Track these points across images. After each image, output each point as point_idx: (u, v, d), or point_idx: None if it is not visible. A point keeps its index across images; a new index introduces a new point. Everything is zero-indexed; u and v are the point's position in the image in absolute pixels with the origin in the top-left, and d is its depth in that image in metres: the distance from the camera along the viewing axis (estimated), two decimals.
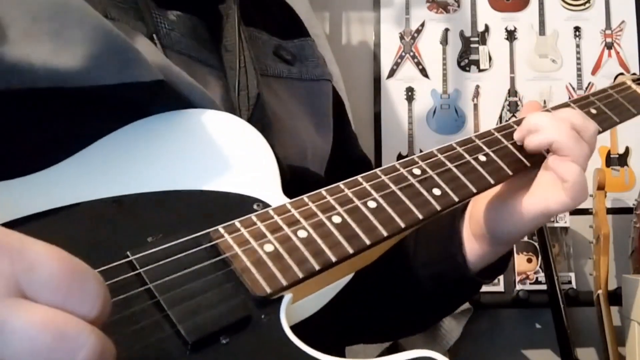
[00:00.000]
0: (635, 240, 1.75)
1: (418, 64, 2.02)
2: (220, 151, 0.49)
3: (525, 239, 1.86)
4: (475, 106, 1.98)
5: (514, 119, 0.66)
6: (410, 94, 2.01)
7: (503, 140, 0.59)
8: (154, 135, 0.49)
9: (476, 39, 2.02)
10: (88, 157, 0.46)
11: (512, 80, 1.97)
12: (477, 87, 1.98)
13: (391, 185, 0.50)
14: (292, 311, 0.42)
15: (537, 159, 0.60)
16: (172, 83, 0.50)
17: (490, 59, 2.00)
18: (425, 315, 0.75)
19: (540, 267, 1.81)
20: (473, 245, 0.65)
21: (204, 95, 0.52)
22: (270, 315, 0.40)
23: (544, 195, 0.58)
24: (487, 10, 2.04)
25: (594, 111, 0.67)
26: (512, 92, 1.96)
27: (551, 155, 0.59)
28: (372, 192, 0.49)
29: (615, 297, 1.63)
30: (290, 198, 0.48)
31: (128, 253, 0.39)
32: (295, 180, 0.52)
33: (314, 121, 0.69)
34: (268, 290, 0.40)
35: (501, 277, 1.86)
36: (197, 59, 0.59)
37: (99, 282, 0.31)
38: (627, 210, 1.87)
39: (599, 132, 0.64)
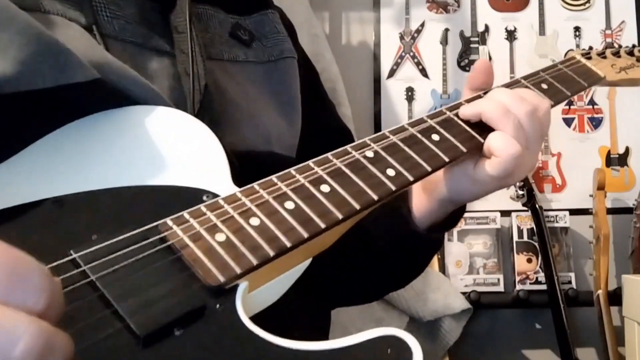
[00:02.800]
0: (635, 240, 1.75)
1: (418, 64, 2.02)
2: (164, 146, 0.48)
3: (525, 238, 1.86)
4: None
5: None
6: (410, 94, 2.01)
7: (455, 118, 0.59)
8: (94, 134, 0.48)
9: (476, 39, 2.02)
10: (26, 159, 0.45)
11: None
12: None
13: (344, 168, 0.49)
14: (249, 300, 0.41)
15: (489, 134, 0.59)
16: (112, 80, 0.48)
17: (490, 59, 1.99)
18: (390, 276, 0.74)
19: (540, 267, 1.81)
20: (421, 200, 0.65)
21: (148, 88, 0.51)
22: (226, 304, 0.38)
23: (485, 163, 0.58)
24: (487, 10, 2.04)
25: (545, 86, 0.67)
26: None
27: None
28: (325, 176, 0.48)
29: (615, 297, 1.63)
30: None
31: (71, 252, 0.38)
32: (263, 166, 0.51)
33: (277, 103, 0.67)
34: (222, 279, 0.39)
35: (501, 277, 1.86)
36: (144, 45, 0.57)
37: (44, 275, 0.30)
38: (627, 210, 1.87)
39: (552, 106, 0.65)
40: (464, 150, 0.56)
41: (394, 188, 0.50)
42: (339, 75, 1.83)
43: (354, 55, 2.02)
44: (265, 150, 0.61)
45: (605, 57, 0.78)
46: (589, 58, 0.76)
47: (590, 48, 0.79)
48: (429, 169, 0.53)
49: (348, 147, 0.52)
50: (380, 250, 0.69)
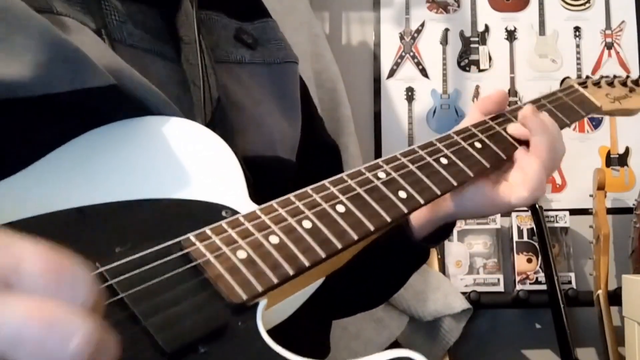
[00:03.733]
0: (635, 240, 1.75)
1: (418, 64, 2.02)
2: (182, 159, 0.49)
3: (525, 238, 1.86)
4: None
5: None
6: (410, 94, 2.01)
7: (462, 142, 0.61)
8: (112, 144, 0.48)
9: (476, 39, 2.02)
10: (46, 167, 0.45)
11: (512, 80, 1.97)
12: (477, 87, 1.98)
13: (358, 189, 0.51)
14: (266, 317, 0.41)
15: (495, 160, 0.62)
16: (126, 86, 0.48)
17: (490, 59, 1.99)
18: (381, 285, 0.75)
19: (540, 267, 1.81)
20: (422, 212, 0.66)
21: (158, 96, 0.51)
22: (247, 322, 0.39)
23: (508, 190, 0.62)
24: (487, 10, 2.04)
25: (545, 114, 0.69)
26: (512, 92, 1.96)
27: (521, 148, 0.64)
28: (340, 196, 0.49)
29: (615, 297, 1.63)
30: (265, 190, 0.48)
31: (97, 265, 0.38)
32: (268, 171, 0.51)
33: (280, 106, 0.67)
34: (244, 296, 0.39)
35: (501, 277, 1.86)
36: (151, 52, 0.57)
37: (89, 272, 0.30)
38: (627, 210, 1.87)
39: None
40: (471, 175, 0.59)
41: (406, 210, 0.52)
42: (339, 75, 1.83)
43: (354, 55, 2.02)
44: (270, 155, 0.62)
45: (600, 87, 0.81)
46: (586, 87, 0.79)
47: (587, 77, 0.82)
48: (439, 192, 0.55)
49: (361, 168, 0.53)
50: (375, 258, 0.69)
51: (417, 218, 0.67)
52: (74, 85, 0.45)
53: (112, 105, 0.48)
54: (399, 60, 2.02)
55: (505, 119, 0.68)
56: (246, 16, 0.70)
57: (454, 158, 0.59)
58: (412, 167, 0.55)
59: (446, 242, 1.89)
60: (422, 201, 0.53)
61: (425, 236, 0.68)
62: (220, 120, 0.57)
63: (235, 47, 0.67)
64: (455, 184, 0.57)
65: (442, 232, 0.69)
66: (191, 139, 0.50)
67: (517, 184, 0.62)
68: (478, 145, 0.62)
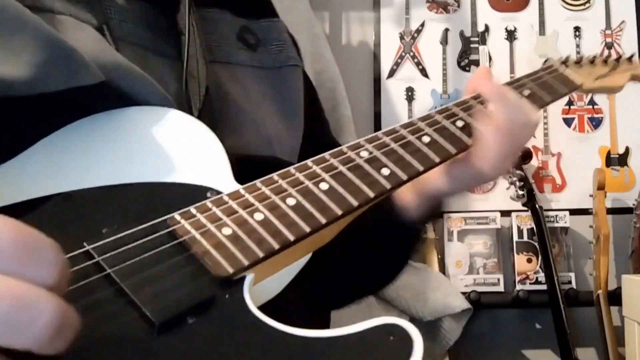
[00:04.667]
0: (635, 240, 1.75)
1: (418, 64, 2.02)
2: (167, 146, 0.49)
3: (525, 238, 1.86)
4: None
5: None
6: (410, 94, 2.01)
7: (443, 120, 0.62)
8: (97, 132, 0.49)
9: (476, 39, 2.02)
10: (32, 157, 0.46)
11: None
12: None
13: (340, 167, 0.51)
14: (254, 293, 0.42)
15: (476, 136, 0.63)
16: (120, 81, 0.49)
17: (490, 59, 2.00)
18: (376, 267, 0.76)
19: (540, 267, 1.81)
20: (406, 194, 0.68)
21: (156, 90, 0.51)
22: (235, 294, 0.40)
23: (480, 161, 0.62)
24: (487, 10, 2.04)
25: (527, 92, 0.70)
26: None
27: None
28: (323, 174, 0.50)
29: (615, 297, 1.63)
30: None
31: (84, 243, 0.39)
32: (265, 169, 0.52)
33: (280, 110, 0.68)
34: (230, 270, 0.40)
35: (501, 277, 1.86)
36: (151, 49, 0.58)
37: (55, 250, 0.30)
38: (627, 210, 1.87)
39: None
40: (454, 151, 0.59)
41: (389, 186, 0.52)
42: (339, 75, 1.83)
43: (354, 55, 2.02)
44: (267, 154, 0.62)
45: (581, 66, 0.82)
46: (567, 66, 0.80)
47: (568, 56, 0.82)
48: (421, 168, 0.56)
49: (343, 147, 0.54)
50: (365, 239, 0.70)
51: (402, 198, 0.68)
52: (70, 84, 0.46)
53: (104, 100, 0.49)
54: (399, 60, 2.02)
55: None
56: (253, 14, 0.70)
57: (435, 136, 0.59)
58: (394, 145, 0.56)
59: (446, 242, 1.89)
60: (405, 177, 0.54)
61: (414, 217, 0.68)
62: (209, 112, 0.58)
63: (236, 48, 0.67)
64: (437, 160, 0.57)
65: (431, 212, 0.70)
66: (176, 127, 0.51)
67: (481, 154, 0.62)
68: (459, 123, 0.62)
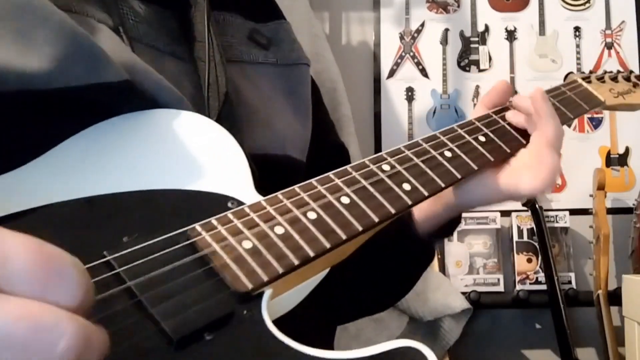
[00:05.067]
0: (635, 240, 1.75)
1: (418, 64, 2.02)
2: (189, 151, 0.49)
3: (525, 238, 1.86)
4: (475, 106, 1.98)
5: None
6: (410, 94, 2.01)
7: (466, 136, 0.62)
8: (120, 135, 0.49)
9: (476, 39, 2.02)
10: (55, 158, 0.46)
11: (512, 80, 1.97)
12: (477, 87, 1.98)
13: (362, 181, 0.51)
14: (271, 307, 0.42)
15: (499, 154, 0.62)
16: (139, 81, 0.49)
17: (490, 59, 2.00)
18: (389, 284, 0.75)
19: (540, 267, 1.81)
20: (427, 203, 0.66)
21: (172, 92, 0.51)
22: (252, 310, 0.40)
23: (517, 178, 0.62)
24: (487, 10, 2.04)
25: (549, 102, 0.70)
26: (512, 92, 1.96)
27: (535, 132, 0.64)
28: (345, 187, 0.50)
29: (615, 297, 1.64)
30: (275, 188, 0.48)
31: (105, 253, 0.39)
32: (278, 169, 0.52)
33: (292, 107, 0.68)
34: (249, 286, 0.40)
35: (501, 277, 1.86)
36: (166, 51, 0.58)
37: (79, 270, 0.30)
38: (627, 210, 1.88)
39: None
40: (475, 168, 0.59)
41: (410, 202, 0.52)
42: (339, 75, 1.83)
43: (354, 55, 2.02)
44: (281, 153, 0.62)
45: (604, 82, 0.82)
46: (589, 82, 0.80)
47: (591, 72, 0.82)
48: (443, 185, 0.55)
49: (365, 160, 0.54)
50: (380, 256, 0.69)
51: (422, 211, 0.67)
52: (90, 79, 0.46)
53: (126, 100, 0.49)
54: (399, 60, 2.02)
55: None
56: (261, 17, 0.71)
57: (457, 151, 0.59)
58: (416, 160, 0.56)
59: (446, 242, 1.89)
60: (426, 193, 0.53)
61: (430, 231, 0.68)
62: (227, 115, 0.58)
63: (249, 47, 0.67)
64: (459, 176, 0.57)
65: (447, 227, 0.69)
66: (198, 132, 0.51)
67: (526, 172, 0.62)
68: (482, 139, 0.62)
